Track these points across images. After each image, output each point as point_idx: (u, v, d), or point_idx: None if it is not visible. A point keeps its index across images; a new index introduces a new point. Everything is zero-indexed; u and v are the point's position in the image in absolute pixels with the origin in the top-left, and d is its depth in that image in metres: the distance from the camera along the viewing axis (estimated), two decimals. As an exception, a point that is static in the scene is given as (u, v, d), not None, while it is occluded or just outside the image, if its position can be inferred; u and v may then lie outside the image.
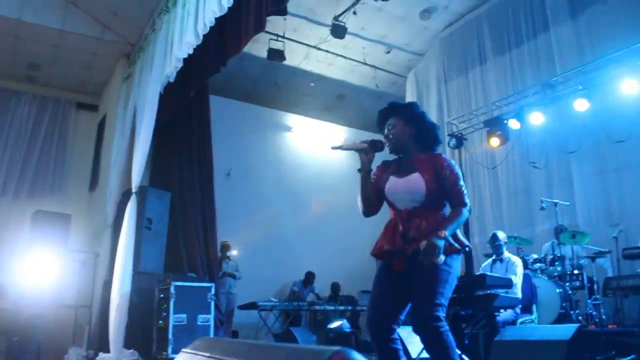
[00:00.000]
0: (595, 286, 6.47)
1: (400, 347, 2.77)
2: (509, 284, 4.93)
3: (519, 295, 5.35)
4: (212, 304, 6.93)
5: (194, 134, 9.06)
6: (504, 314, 5.20)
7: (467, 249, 2.85)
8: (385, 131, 3.05)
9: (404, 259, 2.82)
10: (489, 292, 4.67)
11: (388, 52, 11.33)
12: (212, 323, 6.82)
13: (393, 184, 2.96)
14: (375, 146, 2.98)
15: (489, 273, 5.39)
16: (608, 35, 7.68)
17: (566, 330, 4.15)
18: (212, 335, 6.66)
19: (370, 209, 3.05)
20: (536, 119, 8.04)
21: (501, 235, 6.13)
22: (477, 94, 9.97)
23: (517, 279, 5.51)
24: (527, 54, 9.01)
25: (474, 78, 10.09)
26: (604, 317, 5.94)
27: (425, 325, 2.61)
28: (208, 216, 8.70)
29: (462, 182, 2.88)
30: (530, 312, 5.60)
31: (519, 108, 8.32)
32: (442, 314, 2.65)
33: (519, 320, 5.38)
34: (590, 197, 7.79)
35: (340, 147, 3.06)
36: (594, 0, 8.07)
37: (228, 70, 10.86)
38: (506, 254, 5.95)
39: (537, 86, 8.31)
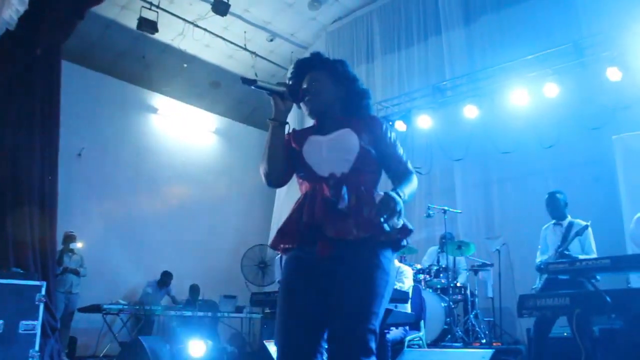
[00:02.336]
0: (476, 300, 6.31)
1: None
2: (405, 298, 4.39)
3: (409, 310, 4.84)
4: (42, 307, 5.72)
5: (37, 103, 7.65)
6: (393, 332, 4.64)
7: (407, 241, 2.16)
8: (305, 85, 2.30)
9: (330, 241, 2.03)
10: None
11: (271, 40, 10.73)
12: (38, 331, 5.60)
13: (314, 143, 2.25)
14: (296, 93, 2.26)
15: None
16: (499, 45, 7.75)
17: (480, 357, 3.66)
18: (37, 346, 5.45)
19: (277, 172, 2.24)
20: (424, 122, 7.84)
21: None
22: (363, 93, 9.66)
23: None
24: (417, 56, 8.92)
25: (360, 76, 9.68)
26: (486, 332, 5.75)
27: None
28: (48, 201, 7.35)
29: (402, 149, 2.28)
30: (418, 328, 5.12)
31: (407, 110, 8.10)
32: (374, 344, 1.93)
33: (407, 338, 4.86)
34: (472, 208, 7.73)
35: (252, 82, 2.17)
36: (488, 10, 8.12)
37: (90, 37, 9.64)
38: (397, 263, 5.43)
39: (427, 89, 8.14)
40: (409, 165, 2.24)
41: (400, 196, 1.97)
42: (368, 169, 2.17)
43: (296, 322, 2.03)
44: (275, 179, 2.26)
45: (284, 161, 2.24)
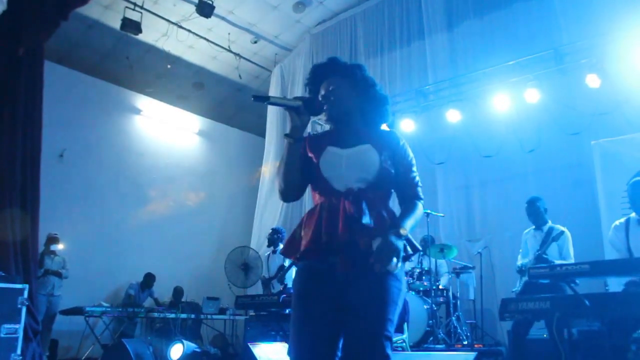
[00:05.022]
0: (458, 302, 6.37)
1: None
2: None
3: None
4: (24, 310, 5.64)
5: (19, 103, 7.54)
6: (377, 335, 4.68)
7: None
8: (323, 91, 2.25)
9: (352, 258, 2.02)
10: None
11: (255, 42, 10.72)
12: (20, 335, 5.53)
13: (333, 156, 2.18)
14: (313, 106, 2.18)
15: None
16: (482, 51, 7.81)
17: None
18: (19, 350, 5.39)
19: (293, 188, 2.21)
20: (406, 125, 7.88)
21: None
22: (346, 95, 9.69)
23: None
24: (400, 59, 8.95)
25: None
26: (467, 334, 5.81)
27: None
28: (29, 203, 7.26)
29: (417, 171, 2.23)
30: (401, 331, 5.17)
31: (390, 113, 8.08)
32: (390, 351, 1.94)
33: (391, 341, 4.91)
34: (453, 211, 7.79)
35: (265, 99, 2.15)
36: (470, 15, 8.17)
37: (72, 38, 9.56)
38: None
39: (410, 93, 8.18)
40: (419, 191, 2.20)
41: (401, 235, 1.97)
42: (385, 187, 2.17)
43: (312, 330, 2.02)
44: (292, 195, 2.22)
45: (300, 177, 2.20)
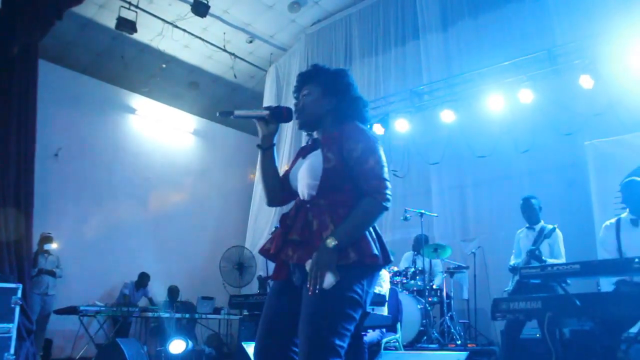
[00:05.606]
0: (452, 302, 6.39)
1: None
2: (382, 301, 4.45)
3: (386, 312, 4.90)
4: (17, 309, 5.64)
5: (14, 102, 7.53)
6: (370, 334, 4.70)
7: (381, 264, 2.00)
8: (296, 100, 2.28)
9: (284, 268, 2.12)
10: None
11: (250, 42, 10.72)
12: (14, 334, 5.53)
13: (297, 166, 2.22)
14: (280, 114, 2.22)
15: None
16: (476, 51, 7.84)
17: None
18: (13, 349, 5.38)
19: (273, 194, 2.27)
20: (401, 126, 7.91)
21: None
22: (340, 95, 9.70)
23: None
24: (395, 60, 8.97)
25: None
26: (461, 334, 5.83)
27: None
28: (24, 202, 7.25)
29: (377, 160, 2.02)
30: (394, 330, 5.19)
31: (385, 113, 8.14)
32: (334, 358, 1.89)
33: (384, 341, 4.93)
34: (447, 211, 7.81)
35: (229, 114, 2.17)
36: (465, 16, 8.20)
37: (68, 37, 9.54)
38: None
39: (404, 93, 8.19)
40: (376, 184, 2.00)
41: (329, 248, 1.90)
42: (334, 192, 2.05)
43: (268, 327, 2.09)
44: (274, 201, 2.27)
45: (277, 183, 2.25)
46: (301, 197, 2.14)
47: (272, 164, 2.25)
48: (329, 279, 1.88)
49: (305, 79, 2.28)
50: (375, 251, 1.99)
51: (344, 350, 1.92)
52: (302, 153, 2.27)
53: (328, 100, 2.21)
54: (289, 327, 2.03)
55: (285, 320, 2.06)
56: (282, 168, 2.29)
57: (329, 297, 1.91)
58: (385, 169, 2.05)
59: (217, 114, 2.19)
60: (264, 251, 2.18)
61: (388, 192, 2.01)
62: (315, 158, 2.12)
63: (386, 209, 2.01)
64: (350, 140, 2.05)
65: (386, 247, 2.07)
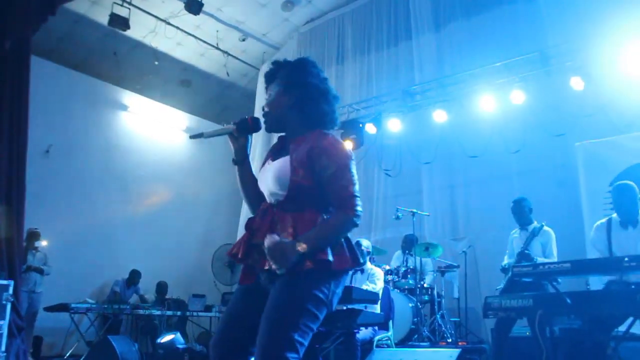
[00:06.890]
0: (443, 300, 6.43)
1: None
2: (375, 299, 4.48)
3: (378, 310, 4.94)
4: (9, 306, 5.61)
5: (5, 98, 7.47)
6: (363, 332, 4.74)
7: (350, 267, 2.00)
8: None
9: (252, 272, 2.11)
10: (352, 307, 4.15)
11: (243, 40, 10.70)
12: (5, 331, 5.51)
13: (264, 169, 2.17)
14: (245, 127, 2.17)
15: (350, 285, 4.87)
16: (468, 52, 7.87)
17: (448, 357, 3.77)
18: (4, 346, 5.36)
19: (256, 206, 2.19)
20: (393, 125, 7.94)
21: (365, 243, 5.66)
22: (332, 94, 9.72)
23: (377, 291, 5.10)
24: (387, 59, 9.00)
25: (330, 78, 9.77)
26: (452, 332, 5.88)
27: None
28: (15, 198, 7.20)
29: (350, 179, 2.00)
30: (386, 328, 5.23)
31: (377, 113, 8.16)
32: (291, 354, 1.84)
33: (376, 338, 4.97)
34: (438, 210, 7.85)
35: (199, 136, 2.20)
36: (458, 17, 8.23)
37: (58, 32, 9.47)
38: (368, 265, 5.53)
39: (397, 93, 8.23)
40: (346, 199, 1.98)
41: (295, 246, 1.89)
42: (301, 203, 2.02)
43: (228, 321, 2.08)
44: (256, 210, 2.19)
45: (257, 193, 2.19)
46: (267, 201, 2.11)
47: (249, 176, 2.23)
48: (288, 263, 1.89)
49: (268, 78, 2.22)
50: (348, 254, 2.02)
51: (304, 348, 1.88)
52: (271, 155, 2.22)
53: (289, 96, 2.12)
54: (250, 324, 1.98)
55: (249, 316, 2.02)
56: (256, 169, 2.28)
57: (293, 293, 1.91)
58: (357, 186, 2.03)
59: (189, 137, 2.28)
60: (232, 255, 2.13)
61: (359, 208, 2.01)
62: (283, 164, 2.06)
63: (356, 225, 2.00)
64: (322, 157, 2.00)
65: (355, 249, 2.07)
